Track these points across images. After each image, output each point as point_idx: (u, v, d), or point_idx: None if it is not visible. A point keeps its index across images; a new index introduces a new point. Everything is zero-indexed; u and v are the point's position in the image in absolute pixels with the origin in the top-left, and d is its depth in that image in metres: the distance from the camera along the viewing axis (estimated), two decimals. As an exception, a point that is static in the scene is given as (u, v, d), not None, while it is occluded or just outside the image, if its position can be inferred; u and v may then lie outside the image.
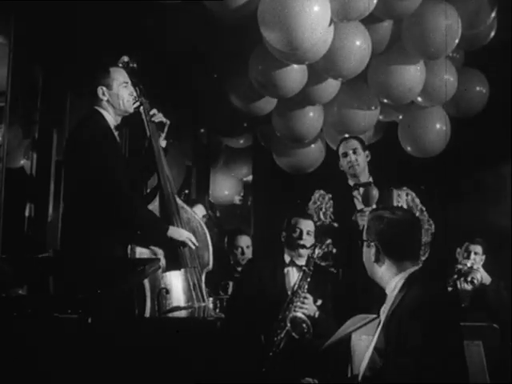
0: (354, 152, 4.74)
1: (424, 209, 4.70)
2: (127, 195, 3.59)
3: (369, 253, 2.84)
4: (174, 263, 3.68)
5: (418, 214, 4.62)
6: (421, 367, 2.54)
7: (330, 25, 4.71)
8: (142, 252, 3.62)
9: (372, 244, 2.81)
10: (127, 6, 4.85)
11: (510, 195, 5.86)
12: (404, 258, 2.81)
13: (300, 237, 4.41)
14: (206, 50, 5.41)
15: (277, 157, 6.23)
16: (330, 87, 5.38)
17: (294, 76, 5.14)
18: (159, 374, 2.68)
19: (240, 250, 5.47)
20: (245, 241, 5.52)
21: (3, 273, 3.25)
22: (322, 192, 4.79)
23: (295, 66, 5.08)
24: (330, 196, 4.75)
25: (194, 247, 3.72)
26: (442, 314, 2.67)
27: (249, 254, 5.52)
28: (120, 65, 3.85)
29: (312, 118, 5.68)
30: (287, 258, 4.48)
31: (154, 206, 3.74)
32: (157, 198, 3.76)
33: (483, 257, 5.37)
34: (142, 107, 3.85)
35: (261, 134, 6.44)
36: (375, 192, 4.54)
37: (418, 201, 4.72)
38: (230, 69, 5.57)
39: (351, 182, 4.74)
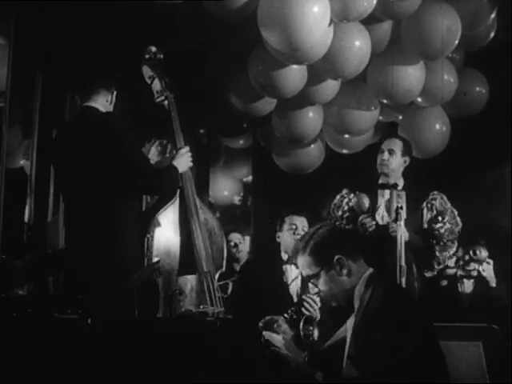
0: (390, 152, 4.72)
1: (456, 212, 4.67)
2: (137, 158, 3.56)
3: (338, 275, 2.72)
4: (189, 266, 3.63)
5: (447, 218, 4.60)
6: (392, 368, 2.50)
7: (329, 25, 4.71)
8: (158, 247, 3.56)
9: (336, 258, 2.72)
10: (127, 7, 4.85)
11: (510, 195, 5.86)
12: (360, 254, 2.78)
13: (296, 233, 4.44)
14: (205, 49, 5.40)
15: (276, 157, 6.23)
16: (330, 88, 5.38)
17: (294, 76, 5.14)
18: (159, 373, 2.68)
19: (233, 243, 5.55)
20: (236, 236, 5.63)
21: (3, 273, 3.25)
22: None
23: (295, 66, 5.08)
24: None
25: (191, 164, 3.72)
26: (406, 314, 2.62)
27: (243, 248, 5.59)
28: (147, 56, 3.80)
29: (312, 118, 5.68)
30: (284, 256, 4.51)
31: (174, 205, 3.68)
32: (177, 197, 3.70)
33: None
34: (166, 101, 3.77)
35: (261, 134, 6.44)
36: (395, 194, 4.53)
37: (449, 204, 4.68)
38: (229, 69, 5.57)
39: (381, 181, 4.74)
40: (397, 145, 4.76)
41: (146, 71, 3.90)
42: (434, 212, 4.62)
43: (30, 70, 5.13)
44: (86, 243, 3.51)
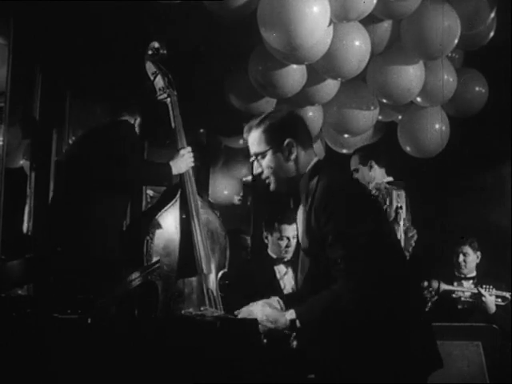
0: (356, 171, 4.75)
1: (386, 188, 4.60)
2: (127, 158, 3.61)
3: (285, 159, 2.72)
4: (189, 268, 3.57)
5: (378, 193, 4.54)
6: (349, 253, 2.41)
7: (329, 25, 4.71)
8: (158, 250, 3.50)
9: (287, 142, 2.70)
10: (127, 7, 4.85)
11: (510, 195, 5.86)
12: (311, 144, 2.83)
13: (288, 245, 4.46)
14: (206, 49, 5.41)
15: (276, 157, 6.22)
16: (330, 87, 5.38)
17: (294, 76, 5.14)
18: (159, 373, 2.68)
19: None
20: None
21: (3, 273, 3.26)
22: None
23: (295, 66, 5.08)
24: None
25: (193, 164, 3.75)
26: (353, 199, 2.56)
27: None
28: (149, 51, 3.73)
29: (311, 118, 5.68)
30: (273, 255, 4.53)
31: (175, 206, 3.62)
32: (177, 197, 3.65)
33: (477, 255, 5.31)
34: (169, 99, 3.68)
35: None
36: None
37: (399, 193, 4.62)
38: (229, 69, 5.57)
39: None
40: (355, 160, 4.78)
41: (150, 67, 3.80)
42: None
43: (29, 70, 5.13)
44: (80, 242, 3.53)
